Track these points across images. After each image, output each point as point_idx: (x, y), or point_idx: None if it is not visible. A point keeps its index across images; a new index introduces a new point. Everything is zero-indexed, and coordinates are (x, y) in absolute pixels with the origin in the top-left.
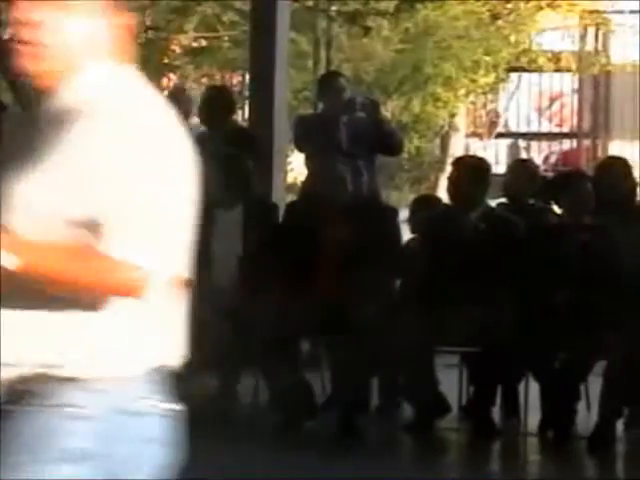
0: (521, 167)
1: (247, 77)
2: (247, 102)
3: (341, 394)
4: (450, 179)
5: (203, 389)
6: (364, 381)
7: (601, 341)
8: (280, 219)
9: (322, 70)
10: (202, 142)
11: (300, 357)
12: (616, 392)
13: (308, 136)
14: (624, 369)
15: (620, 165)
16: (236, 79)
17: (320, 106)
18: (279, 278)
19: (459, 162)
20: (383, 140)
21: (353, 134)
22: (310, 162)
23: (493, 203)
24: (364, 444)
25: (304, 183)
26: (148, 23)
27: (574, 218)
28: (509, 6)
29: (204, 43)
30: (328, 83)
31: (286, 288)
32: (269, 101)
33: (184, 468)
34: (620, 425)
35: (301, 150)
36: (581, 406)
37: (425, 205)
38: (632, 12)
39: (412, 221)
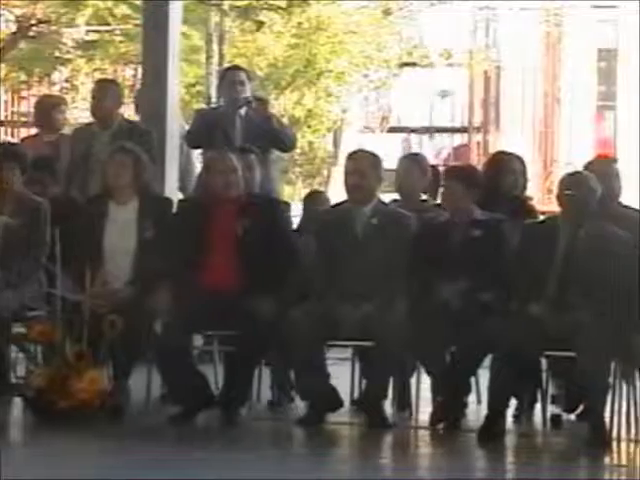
0: (412, 162)
1: (140, 71)
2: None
3: (232, 388)
4: (344, 173)
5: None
6: (255, 375)
7: (490, 334)
8: (173, 214)
9: (215, 65)
10: (94, 137)
11: (193, 350)
12: (502, 384)
13: (204, 130)
14: (510, 361)
15: (510, 160)
16: (129, 73)
17: (219, 100)
18: (172, 272)
19: (352, 156)
20: (276, 137)
21: (248, 129)
22: (204, 156)
23: (385, 197)
24: (256, 438)
25: (198, 177)
26: (39, 16)
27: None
28: (401, 2)
29: (96, 36)
30: (228, 77)
31: (180, 282)
32: (162, 95)
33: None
34: (509, 417)
35: (195, 145)
36: (471, 399)
37: (318, 200)
38: (523, 9)
39: (305, 216)
